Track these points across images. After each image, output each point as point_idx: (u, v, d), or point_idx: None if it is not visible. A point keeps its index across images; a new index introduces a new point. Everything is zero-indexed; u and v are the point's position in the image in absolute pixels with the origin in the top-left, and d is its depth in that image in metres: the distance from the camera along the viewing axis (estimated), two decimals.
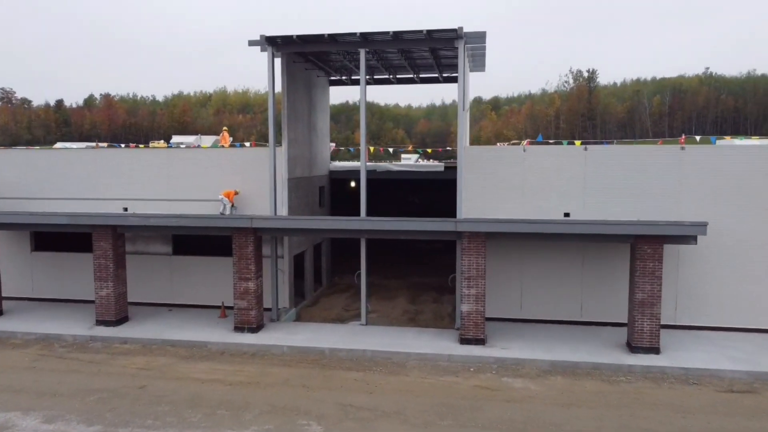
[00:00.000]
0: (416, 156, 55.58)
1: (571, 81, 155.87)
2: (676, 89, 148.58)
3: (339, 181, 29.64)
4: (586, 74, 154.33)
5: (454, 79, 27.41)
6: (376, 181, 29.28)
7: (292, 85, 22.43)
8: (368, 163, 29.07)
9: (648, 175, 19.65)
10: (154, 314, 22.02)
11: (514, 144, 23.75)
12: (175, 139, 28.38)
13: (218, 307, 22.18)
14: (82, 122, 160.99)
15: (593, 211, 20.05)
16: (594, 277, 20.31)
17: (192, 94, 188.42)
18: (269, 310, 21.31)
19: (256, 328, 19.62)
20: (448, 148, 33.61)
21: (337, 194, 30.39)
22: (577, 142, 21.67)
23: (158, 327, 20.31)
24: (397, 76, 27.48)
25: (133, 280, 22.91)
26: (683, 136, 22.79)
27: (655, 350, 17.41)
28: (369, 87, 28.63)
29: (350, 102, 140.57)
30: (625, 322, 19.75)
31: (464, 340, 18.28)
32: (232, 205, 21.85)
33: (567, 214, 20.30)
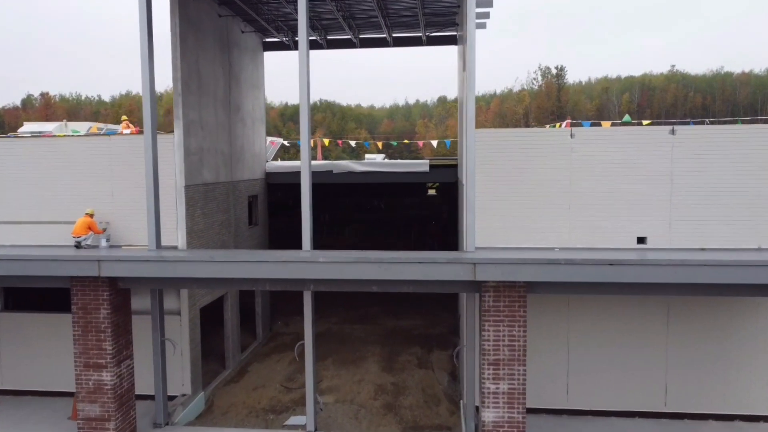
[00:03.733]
0: (382, 155, 47.68)
1: (539, 78, 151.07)
2: (645, 86, 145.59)
3: (282, 188, 21.23)
4: (554, 71, 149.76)
5: (441, 41, 19.37)
6: (334, 187, 21.04)
7: (193, 37, 14.00)
8: (320, 161, 20.81)
9: None
10: None
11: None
12: (27, 127, 19.60)
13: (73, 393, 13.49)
14: (17, 123, 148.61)
15: (685, 232, 12.26)
16: (687, 344, 12.51)
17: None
18: (152, 398, 12.80)
19: None
20: (432, 141, 25.57)
21: (280, 206, 22.01)
22: (647, 122, 13.85)
23: None
24: (361, 36, 19.24)
25: None
26: None
27: None
28: (325, 52, 20.39)
29: (310, 101, 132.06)
30: (744, 414, 12.05)
31: None
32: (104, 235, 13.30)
33: (642, 239, 12.45)
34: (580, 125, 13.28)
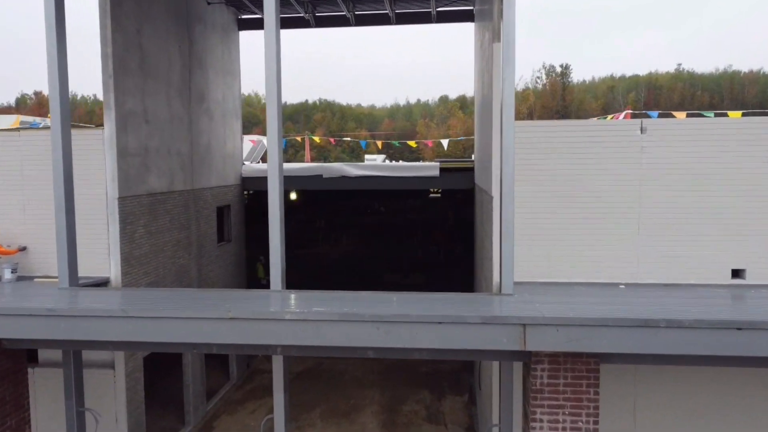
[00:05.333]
0: (383, 156, 44.44)
1: (544, 77, 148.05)
2: (650, 85, 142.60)
3: (263, 196, 17.82)
4: (559, 69, 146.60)
5: (454, 17, 16.02)
6: (324, 194, 17.75)
7: (133, 1, 10.64)
8: (309, 164, 17.49)
9: None
10: None
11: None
12: None
13: None
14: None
15: None
16: None
17: None
18: None
19: None
20: (442, 140, 22.31)
21: (261, 216, 18.61)
22: (734, 113, 10.49)
23: None
24: (357, 12, 15.86)
25: None
26: None
27: None
28: (316, 32, 17.00)
29: (309, 101, 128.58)
30: None
31: None
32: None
33: (738, 273, 9.10)
34: (646, 116, 9.93)
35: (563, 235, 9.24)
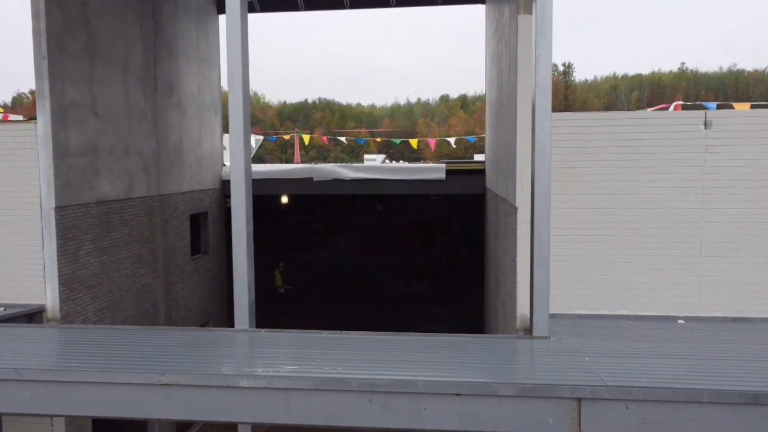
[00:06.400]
0: (382, 156, 42.60)
1: None
2: (654, 84, 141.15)
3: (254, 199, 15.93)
4: (561, 68, 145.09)
5: None
6: (312, 200, 15.92)
7: None
8: (298, 165, 15.65)
9: None
10: None
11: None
12: None
13: None
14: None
15: None
16: None
17: None
18: None
19: None
20: (449, 138, 20.47)
21: (256, 222, 16.74)
22: None
23: None
24: None
25: None
26: None
27: None
28: (306, 15, 15.12)
29: (309, 100, 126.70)
30: None
31: None
32: None
33: None
34: (702, 108, 8.05)
35: (606, 256, 7.38)
